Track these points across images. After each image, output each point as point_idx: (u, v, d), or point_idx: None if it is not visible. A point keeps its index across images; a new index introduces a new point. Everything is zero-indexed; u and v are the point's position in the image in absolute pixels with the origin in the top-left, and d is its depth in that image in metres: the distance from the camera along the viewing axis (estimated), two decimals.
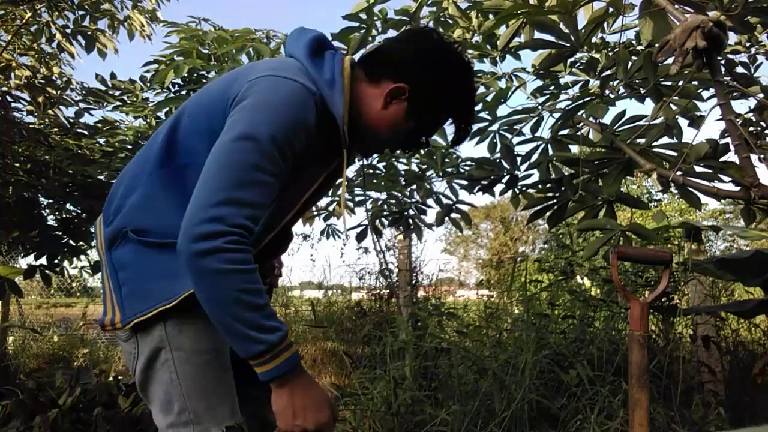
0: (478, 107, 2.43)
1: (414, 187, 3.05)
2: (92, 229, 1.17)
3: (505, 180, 2.53)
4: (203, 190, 0.90)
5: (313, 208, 3.57)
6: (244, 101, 0.95)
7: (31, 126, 3.34)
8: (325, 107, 1.01)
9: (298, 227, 7.66)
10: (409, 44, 1.10)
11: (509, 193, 2.61)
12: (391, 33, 2.47)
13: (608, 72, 2.19)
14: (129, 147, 3.33)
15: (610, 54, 2.26)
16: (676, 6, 1.60)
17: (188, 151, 1.02)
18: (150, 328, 0.99)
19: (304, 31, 1.12)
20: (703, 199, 1.98)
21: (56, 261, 3.34)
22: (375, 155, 2.22)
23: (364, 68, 1.09)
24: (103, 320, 1.04)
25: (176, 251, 0.89)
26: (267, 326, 0.90)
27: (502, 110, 2.44)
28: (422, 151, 3.00)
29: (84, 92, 3.59)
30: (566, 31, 1.90)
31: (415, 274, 3.81)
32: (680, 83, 1.92)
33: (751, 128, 2.36)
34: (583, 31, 1.91)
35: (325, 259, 14.26)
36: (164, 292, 0.97)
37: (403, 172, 3.16)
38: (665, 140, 2.09)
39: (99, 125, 3.50)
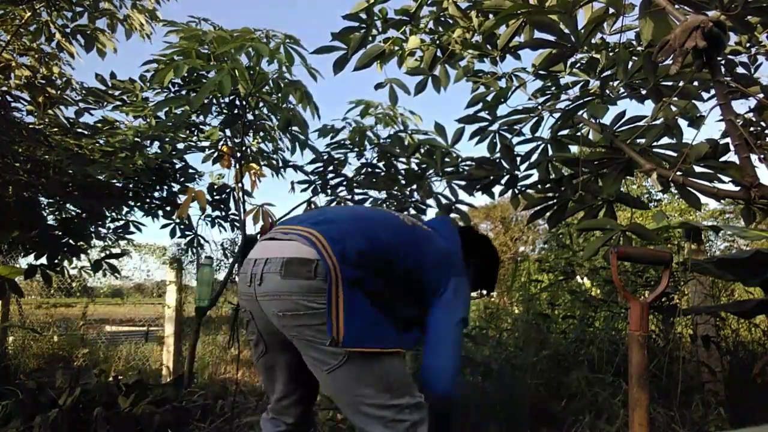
0: (477, 107, 2.43)
1: (414, 186, 3.05)
2: (305, 239, 1.46)
3: (504, 180, 2.53)
4: (451, 355, 1.55)
5: (313, 208, 3.56)
6: (454, 292, 1.57)
7: (31, 126, 3.33)
8: None
9: None
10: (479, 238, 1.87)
11: (509, 193, 2.61)
12: (391, 33, 2.47)
13: (608, 72, 2.19)
14: (129, 147, 3.32)
15: (610, 54, 2.26)
16: (676, 6, 1.60)
17: (418, 285, 1.56)
18: None
19: (454, 229, 1.75)
20: (703, 199, 1.98)
21: (56, 261, 3.34)
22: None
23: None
24: (330, 332, 1.37)
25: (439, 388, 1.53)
26: None
27: (501, 110, 2.44)
28: (422, 151, 3.00)
29: (84, 92, 3.59)
30: (566, 31, 1.89)
31: None
32: (680, 83, 1.92)
33: (751, 128, 2.36)
34: (583, 31, 1.91)
35: None
36: (380, 341, 1.43)
37: (402, 172, 3.16)
38: (665, 140, 2.09)
39: (99, 125, 3.49)
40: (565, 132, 2.43)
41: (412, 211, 3.12)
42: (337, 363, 1.39)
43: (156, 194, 3.69)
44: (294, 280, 1.39)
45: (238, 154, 3.44)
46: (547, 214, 2.29)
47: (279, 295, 1.41)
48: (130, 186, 3.57)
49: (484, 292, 1.96)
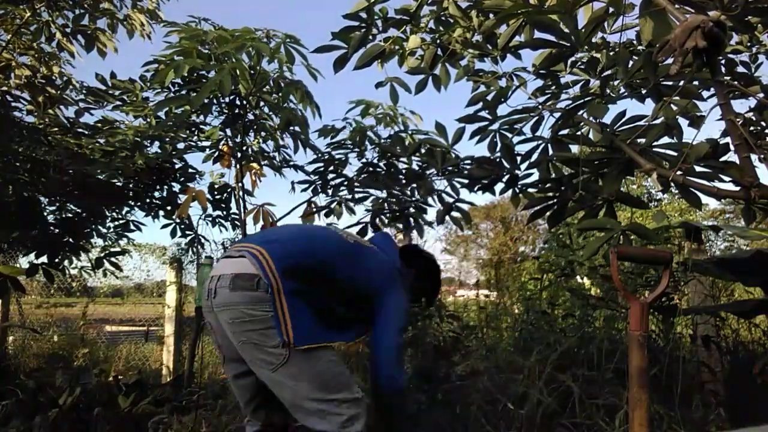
0: (478, 106, 2.43)
1: (414, 185, 3.05)
2: (249, 253, 1.69)
3: (505, 179, 2.53)
4: (394, 361, 1.79)
5: (313, 207, 3.56)
6: (389, 299, 1.81)
7: (31, 126, 3.33)
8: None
9: None
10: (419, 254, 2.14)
11: (509, 193, 2.61)
12: (392, 32, 2.47)
13: (608, 72, 2.19)
14: (129, 147, 3.32)
15: (611, 54, 2.26)
16: (676, 6, 1.60)
17: (348, 291, 1.78)
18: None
19: (393, 245, 2.00)
20: (703, 199, 1.98)
21: (57, 260, 3.34)
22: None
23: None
24: (281, 336, 1.60)
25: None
26: None
27: (502, 109, 2.44)
28: (422, 150, 3.00)
29: (84, 92, 3.58)
30: (566, 30, 1.89)
31: None
32: (680, 83, 1.92)
33: (751, 128, 2.36)
34: (583, 30, 1.91)
35: None
36: (321, 339, 1.66)
37: (403, 171, 3.16)
38: (665, 140, 2.09)
39: (99, 125, 3.49)
40: (565, 131, 2.43)
41: (412, 210, 3.12)
42: (280, 362, 1.60)
43: (156, 194, 3.69)
44: (240, 292, 1.63)
45: (239, 154, 3.44)
46: (547, 213, 2.29)
47: (228, 306, 1.65)
48: (130, 186, 3.57)
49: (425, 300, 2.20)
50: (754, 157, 1.62)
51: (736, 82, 2.07)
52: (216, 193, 3.80)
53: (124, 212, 3.78)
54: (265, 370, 1.64)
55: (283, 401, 1.68)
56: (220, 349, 1.81)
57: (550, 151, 2.38)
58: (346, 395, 1.64)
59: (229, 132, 3.46)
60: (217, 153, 3.57)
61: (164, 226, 3.77)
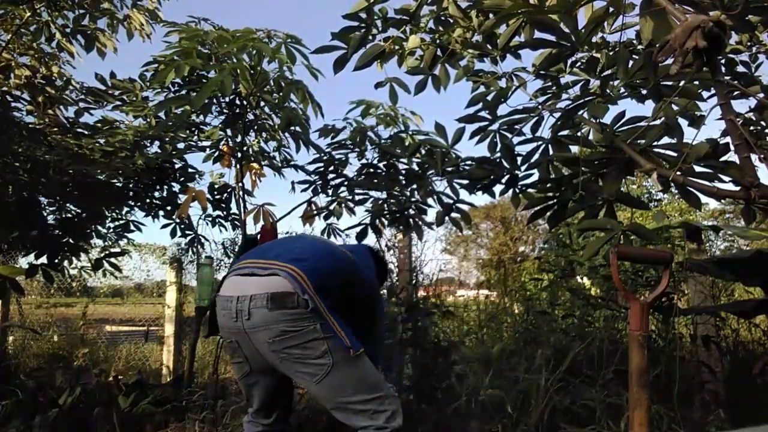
0: (478, 106, 2.43)
1: (414, 186, 3.05)
2: (287, 276, 1.73)
3: (505, 180, 2.53)
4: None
5: (313, 208, 3.56)
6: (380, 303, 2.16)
7: (31, 126, 3.33)
8: None
9: (298, 227, 7.67)
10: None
11: (509, 193, 2.61)
12: (392, 32, 2.46)
13: (608, 72, 2.19)
14: (129, 147, 3.32)
15: (611, 53, 2.26)
16: (676, 6, 1.60)
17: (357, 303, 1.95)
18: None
19: (370, 254, 2.20)
20: (703, 199, 1.98)
21: (56, 260, 3.34)
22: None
23: None
24: (344, 344, 1.69)
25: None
26: None
27: (502, 110, 2.43)
28: (422, 151, 3.00)
29: (84, 92, 3.58)
30: (566, 30, 1.89)
31: (415, 274, 3.80)
32: (680, 83, 1.92)
33: (751, 128, 2.36)
34: (583, 30, 1.91)
35: None
36: (360, 346, 1.75)
37: (403, 172, 3.16)
38: (665, 140, 2.08)
39: (99, 125, 3.49)
40: (565, 132, 2.42)
41: (411, 211, 3.12)
42: (324, 372, 1.68)
43: (156, 194, 3.69)
44: (279, 311, 1.67)
45: (239, 154, 3.44)
46: (547, 214, 2.29)
47: (267, 325, 1.68)
48: (130, 186, 3.57)
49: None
50: (754, 157, 1.62)
51: (736, 82, 2.07)
52: (216, 193, 3.80)
53: (124, 212, 3.78)
54: (309, 382, 1.72)
55: (328, 406, 1.76)
56: (243, 361, 1.82)
57: (551, 152, 2.38)
58: (387, 392, 1.76)
59: (229, 132, 3.46)
60: (217, 153, 3.57)
61: (164, 226, 3.78)
